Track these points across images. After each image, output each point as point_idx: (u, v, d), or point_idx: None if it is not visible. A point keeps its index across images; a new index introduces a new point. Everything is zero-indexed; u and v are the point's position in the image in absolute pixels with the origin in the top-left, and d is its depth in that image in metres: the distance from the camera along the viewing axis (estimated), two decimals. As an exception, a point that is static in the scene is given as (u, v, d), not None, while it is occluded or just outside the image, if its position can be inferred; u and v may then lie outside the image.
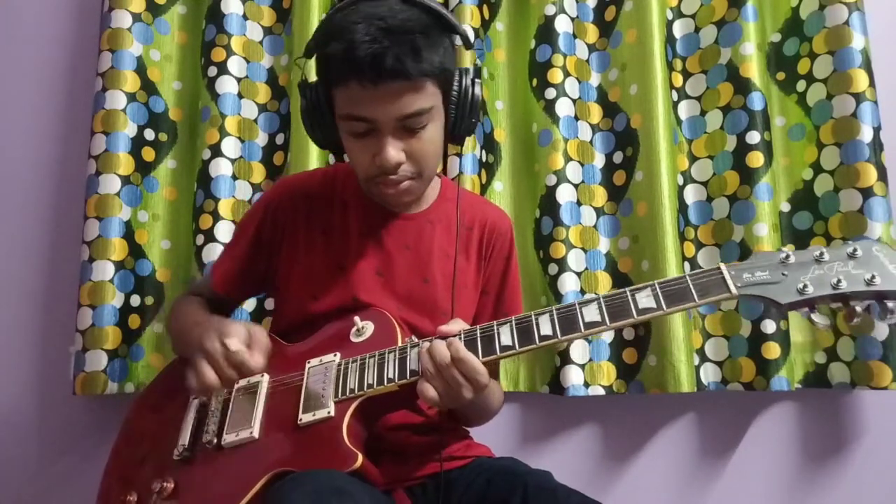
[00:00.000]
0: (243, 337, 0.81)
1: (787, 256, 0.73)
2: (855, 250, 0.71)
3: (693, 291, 0.74)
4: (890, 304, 0.69)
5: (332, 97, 0.85)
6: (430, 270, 0.97)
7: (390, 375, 0.80)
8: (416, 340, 0.83)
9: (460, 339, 0.79)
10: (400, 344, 0.84)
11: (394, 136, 0.84)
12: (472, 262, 1.01)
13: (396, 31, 0.78)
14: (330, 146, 0.92)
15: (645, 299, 0.75)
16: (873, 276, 0.68)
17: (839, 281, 0.69)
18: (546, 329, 0.77)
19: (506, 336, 0.79)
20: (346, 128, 0.85)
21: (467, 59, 1.32)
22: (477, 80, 0.89)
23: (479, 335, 0.79)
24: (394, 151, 0.84)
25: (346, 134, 0.87)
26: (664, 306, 0.74)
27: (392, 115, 0.82)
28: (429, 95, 0.84)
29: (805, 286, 0.70)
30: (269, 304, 1.38)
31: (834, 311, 0.74)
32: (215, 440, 0.85)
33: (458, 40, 0.89)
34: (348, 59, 0.78)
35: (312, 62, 0.88)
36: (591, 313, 0.77)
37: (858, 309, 0.70)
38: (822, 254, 0.72)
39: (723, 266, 0.74)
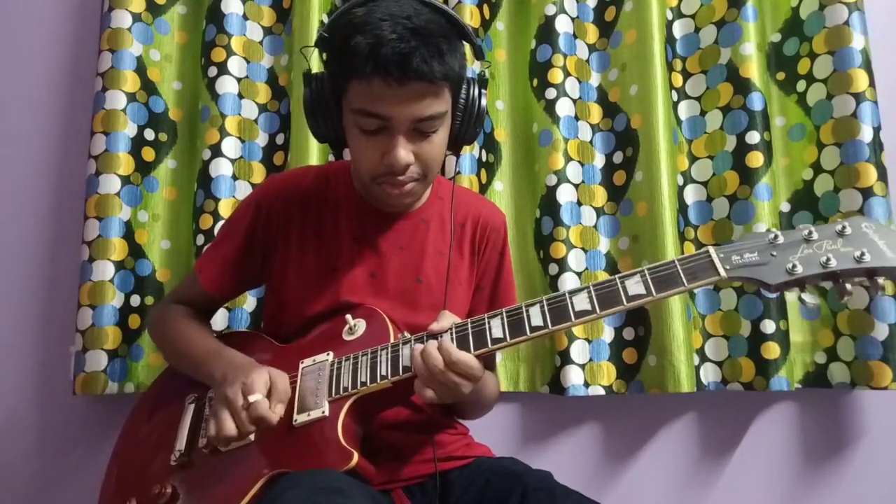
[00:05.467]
0: (265, 387, 0.79)
1: (776, 237, 0.72)
2: (844, 228, 0.70)
3: (682, 276, 0.73)
4: (879, 279, 0.69)
5: (345, 90, 0.84)
6: (423, 270, 0.97)
7: (383, 373, 0.81)
8: (408, 336, 0.84)
9: (452, 335, 0.79)
10: (392, 340, 0.85)
11: (406, 137, 0.83)
12: (465, 258, 1.01)
13: (423, 33, 0.78)
14: (330, 140, 0.91)
15: (634, 286, 0.74)
16: (862, 254, 0.68)
17: (828, 259, 0.69)
18: (537, 320, 0.77)
19: (497, 329, 0.79)
20: (358, 123, 0.84)
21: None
22: (484, 90, 0.90)
23: (470, 330, 0.80)
24: (404, 152, 0.83)
25: (355, 129, 0.85)
26: (654, 292, 0.73)
27: (410, 115, 0.81)
28: (445, 101, 0.85)
29: (794, 266, 0.70)
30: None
31: (824, 289, 0.74)
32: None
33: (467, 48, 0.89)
34: (374, 55, 0.77)
35: (316, 53, 0.87)
36: (581, 302, 0.76)
37: (849, 287, 0.69)
38: (810, 233, 0.71)
39: (711, 249, 0.74)
